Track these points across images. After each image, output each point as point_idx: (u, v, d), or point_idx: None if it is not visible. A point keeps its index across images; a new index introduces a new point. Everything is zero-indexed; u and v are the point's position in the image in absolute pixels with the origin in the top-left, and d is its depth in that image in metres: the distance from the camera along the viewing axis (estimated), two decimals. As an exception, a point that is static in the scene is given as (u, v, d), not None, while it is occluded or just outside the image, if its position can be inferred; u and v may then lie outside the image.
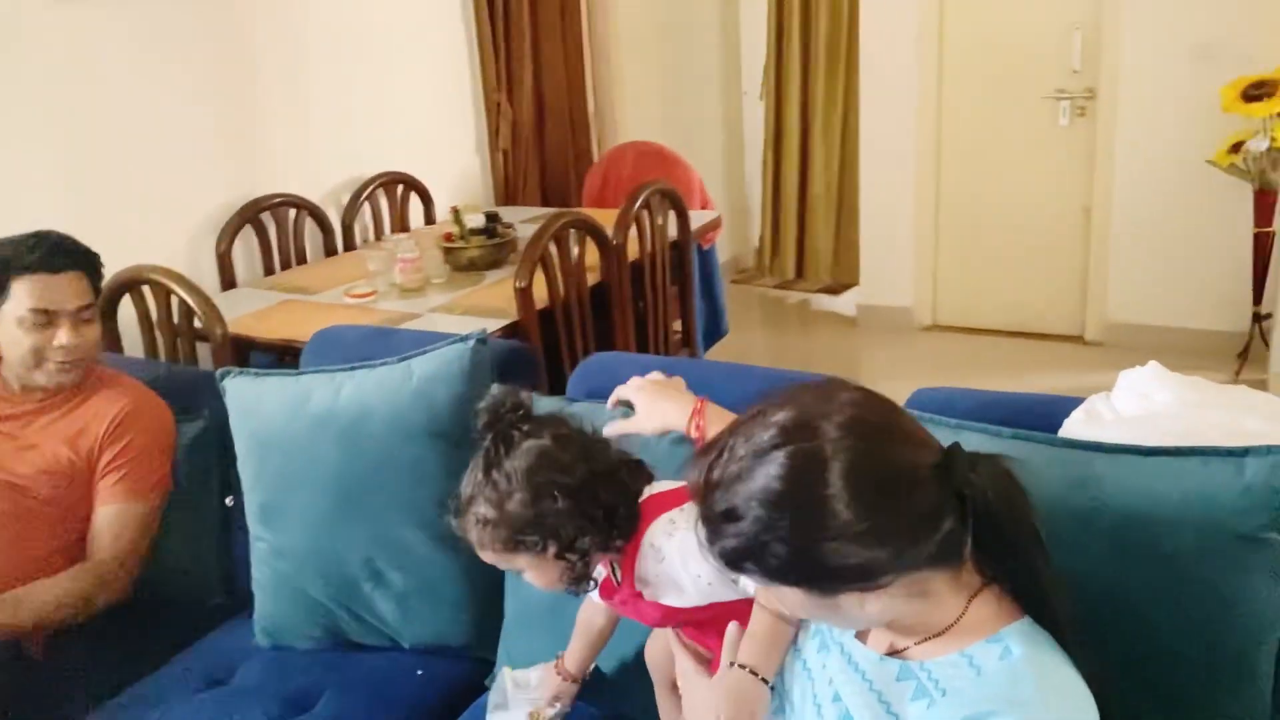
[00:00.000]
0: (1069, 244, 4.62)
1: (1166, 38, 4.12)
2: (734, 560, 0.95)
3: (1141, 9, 4.14)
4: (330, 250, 3.65)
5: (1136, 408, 1.37)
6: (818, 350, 4.99)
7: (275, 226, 3.46)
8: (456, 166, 4.31)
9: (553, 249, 2.85)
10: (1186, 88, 4.09)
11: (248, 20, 3.36)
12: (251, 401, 1.92)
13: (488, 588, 1.80)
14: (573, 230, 2.93)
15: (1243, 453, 1.18)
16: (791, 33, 5.43)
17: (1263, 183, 3.89)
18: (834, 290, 5.67)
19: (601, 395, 1.72)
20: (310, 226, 3.59)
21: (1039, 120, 4.57)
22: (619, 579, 1.35)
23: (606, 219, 3.10)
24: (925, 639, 1.01)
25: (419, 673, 1.82)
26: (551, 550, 1.29)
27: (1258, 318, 4.07)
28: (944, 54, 4.68)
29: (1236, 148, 3.89)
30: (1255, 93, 3.79)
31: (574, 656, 1.56)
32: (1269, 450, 1.17)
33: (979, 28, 4.60)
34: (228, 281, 3.29)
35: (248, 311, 2.94)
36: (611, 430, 1.44)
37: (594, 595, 1.42)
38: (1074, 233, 4.60)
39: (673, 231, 3.41)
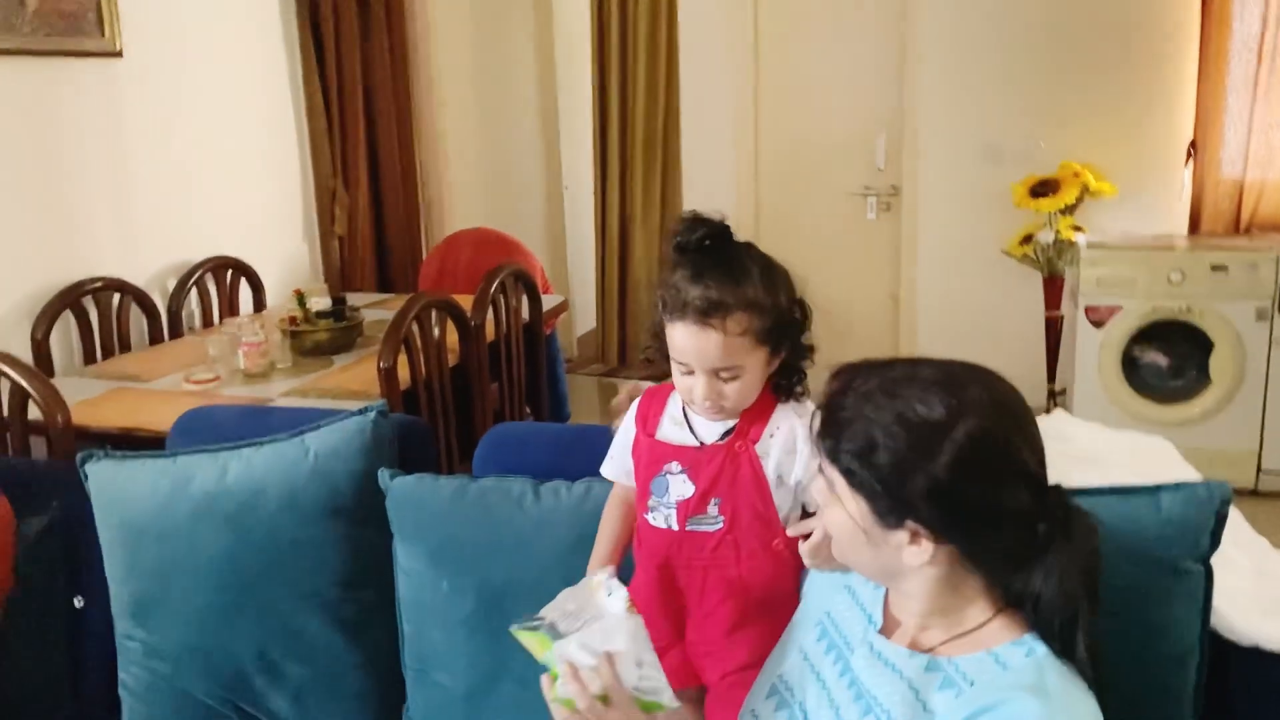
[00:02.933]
0: (879, 329, 4.92)
1: (961, 139, 4.52)
2: (839, 454, 1.02)
3: (937, 113, 4.54)
4: (156, 337, 3.43)
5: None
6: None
7: (97, 311, 3.22)
8: (287, 252, 4.17)
9: (414, 329, 2.79)
10: (981, 184, 4.50)
11: (66, 94, 3.17)
12: (119, 487, 1.77)
13: (392, 680, 1.71)
14: (434, 311, 2.88)
15: (1155, 489, 1.29)
16: (612, 128, 5.61)
17: (1051, 270, 4.30)
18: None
19: (510, 470, 1.69)
20: (135, 312, 3.36)
21: (848, 214, 4.89)
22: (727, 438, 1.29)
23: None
24: (950, 639, 1.05)
25: (318, 773, 1.70)
26: (783, 353, 1.27)
27: (1053, 394, 4.45)
28: (759, 152, 4.96)
29: (1027, 239, 4.29)
30: (1041, 190, 4.21)
31: (593, 554, 1.44)
32: (1177, 486, 1.29)
33: (791, 127, 4.91)
34: (45, 370, 3.03)
35: (76, 400, 2.71)
36: None
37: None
38: (883, 318, 4.91)
39: (525, 314, 3.41)
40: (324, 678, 1.70)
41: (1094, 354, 3.93)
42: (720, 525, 1.28)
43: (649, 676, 1.15)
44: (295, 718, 1.71)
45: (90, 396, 2.77)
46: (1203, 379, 3.84)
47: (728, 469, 1.28)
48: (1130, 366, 3.93)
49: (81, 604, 1.92)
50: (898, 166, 4.72)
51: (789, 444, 1.28)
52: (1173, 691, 1.28)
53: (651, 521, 1.33)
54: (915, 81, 4.54)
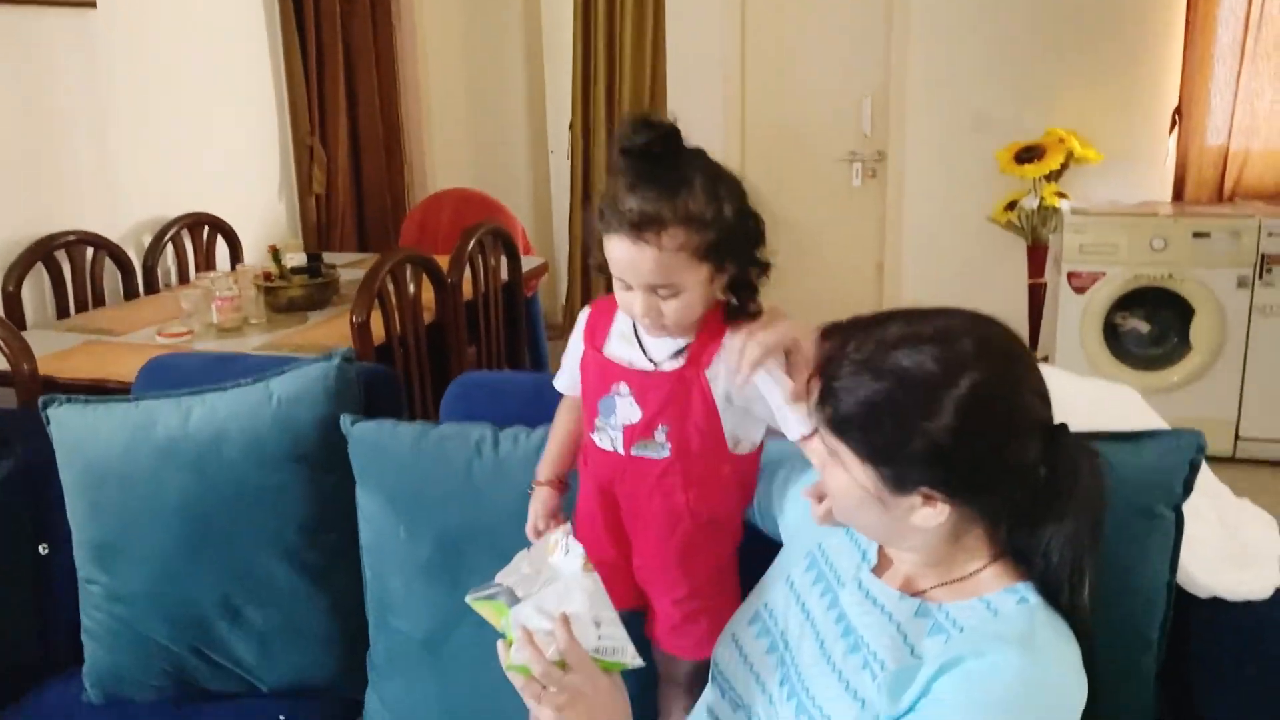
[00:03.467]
0: (864, 297, 4.90)
1: (947, 106, 4.50)
2: (840, 423, 0.99)
3: (924, 79, 4.51)
4: (131, 293, 3.40)
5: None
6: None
7: (70, 266, 3.19)
8: (265, 209, 4.13)
9: (389, 286, 2.77)
10: (967, 151, 4.48)
11: (40, 44, 3.12)
12: (82, 432, 1.75)
13: (356, 624, 1.69)
14: (409, 266, 2.86)
15: (1138, 437, 1.29)
16: (597, 94, 5.56)
17: (1035, 238, 4.29)
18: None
19: (477, 418, 1.68)
20: (109, 267, 3.33)
21: (834, 181, 4.87)
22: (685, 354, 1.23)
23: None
24: (943, 584, 1.04)
25: (280, 717, 1.68)
26: (729, 271, 1.18)
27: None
28: (745, 117, 4.93)
29: (1012, 206, 4.28)
30: (1026, 156, 4.20)
31: (542, 462, 1.41)
32: (1156, 433, 1.29)
33: (778, 93, 4.87)
34: (16, 323, 2.99)
35: (46, 353, 2.68)
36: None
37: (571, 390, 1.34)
38: (868, 286, 4.89)
39: (504, 275, 3.38)
40: (288, 623, 1.69)
41: (1076, 321, 3.93)
42: (667, 453, 1.24)
43: (609, 636, 1.09)
44: (258, 662, 1.70)
45: (61, 349, 2.75)
46: (1183, 346, 3.84)
47: (678, 396, 1.23)
48: (1112, 333, 3.93)
49: (46, 551, 1.91)
50: (884, 132, 4.69)
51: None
52: (1140, 635, 1.28)
53: (598, 442, 1.28)
54: (902, 46, 4.51)
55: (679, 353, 1.24)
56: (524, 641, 1.06)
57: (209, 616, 1.68)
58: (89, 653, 1.73)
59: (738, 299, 1.22)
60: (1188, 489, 1.28)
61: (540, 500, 1.39)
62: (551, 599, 1.08)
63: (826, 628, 1.09)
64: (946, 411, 0.94)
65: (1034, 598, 1.00)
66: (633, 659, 1.10)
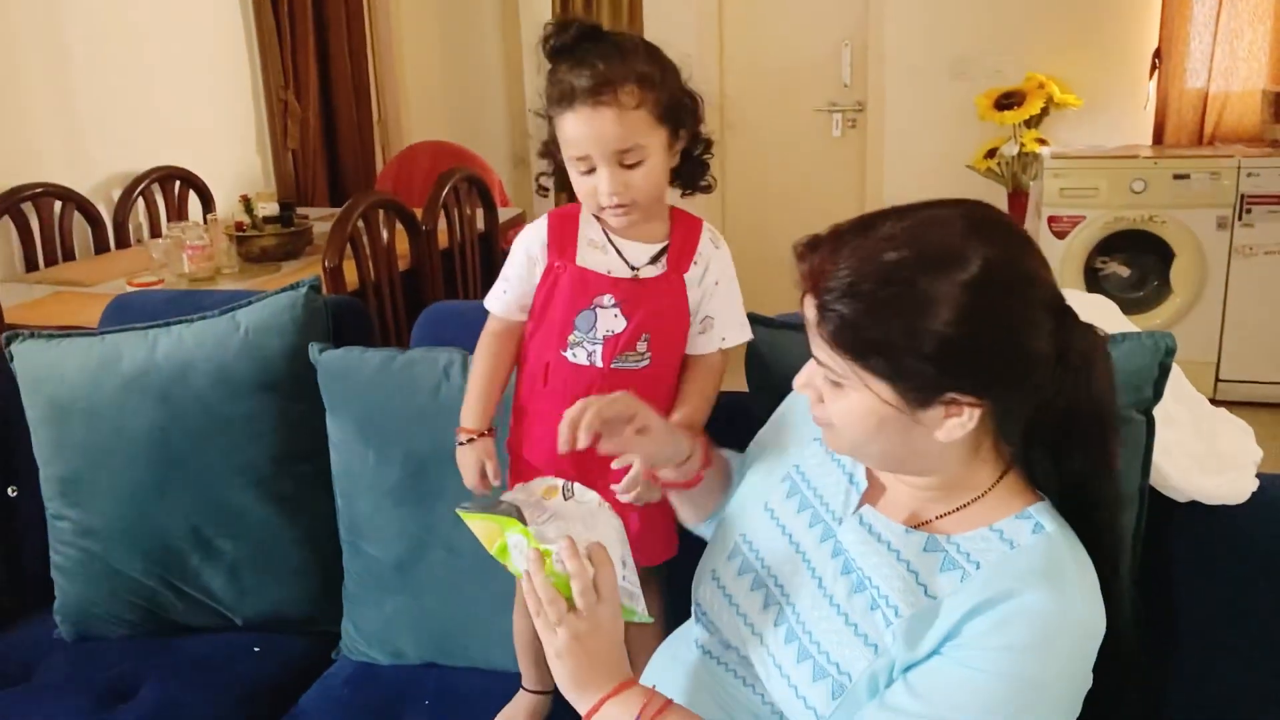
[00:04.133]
0: (845, 249, 4.88)
1: (925, 53, 4.45)
2: (845, 340, 0.90)
3: (902, 26, 4.46)
4: (102, 247, 3.34)
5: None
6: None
7: (38, 219, 3.13)
8: (239, 164, 4.07)
9: (362, 232, 2.73)
10: (946, 99, 4.44)
11: (2, -6, 3.05)
12: (47, 367, 1.72)
13: (329, 555, 1.68)
14: (382, 212, 2.82)
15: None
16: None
17: (1015, 185, 4.27)
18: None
19: (446, 344, 1.65)
20: (79, 221, 3.27)
21: (814, 132, 4.83)
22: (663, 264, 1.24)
23: (410, 213, 3.01)
24: (949, 512, 0.98)
25: (255, 650, 1.67)
26: (683, 138, 1.22)
27: (1015, 309, 4.43)
28: (724, 68, 4.88)
29: (992, 153, 4.25)
30: (1006, 102, 4.16)
31: (473, 411, 1.34)
32: (1124, 337, 1.27)
33: (756, 41, 4.82)
34: (-17, 276, 2.95)
35: (14, 303, 2.64)
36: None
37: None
38: (849, 238, 4.86)
39: (481, 225, 3.35)
40: (259, 554, 1.67)
41: (1057, 266, 3.89)
42: (646, 363, 1.23)
43: (630, 580, 1.03)
44: (231, 595, 1.68)
45: (29, 300, 2.71)
46: (1164, 289, 3.84)
47: (663, 304, 1.23)
48: (1092, 278, 3.93)
49: (15, 493, 1.89)
50: (864, 83, 4.65)
51: (706, 278, 1.26)
52: (1111, 539, 1.27)
53: (571, 359, 1.25)
54: (881, -8, 4.47)
55: (657, 257, 1.23)
56: (570, 551, 0.96)
57: (180, 549, 1.66)
58: (59, 589, 1.71)
59: (690, 172, 1.25)
60: (1158, 393, 1.26)
61: (482, 450, 1.31)
62: (578, 526, 1.03)
63: (823, 564, 1.02)
64: (960, 299, 0.86)
65: (1049, 523, 0.95)
66: (643, 614, 1.04)
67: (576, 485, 1.09)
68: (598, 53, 1.15)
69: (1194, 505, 1.32)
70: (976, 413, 0.90)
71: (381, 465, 1.55)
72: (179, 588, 1.68)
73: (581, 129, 1.15)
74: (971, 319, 0.87)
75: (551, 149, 1.23)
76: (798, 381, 1.00)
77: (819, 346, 0.94)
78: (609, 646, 0.98)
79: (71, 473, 1.68)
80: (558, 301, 1.26)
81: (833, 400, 0.96)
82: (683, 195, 1.26)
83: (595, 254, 1.25)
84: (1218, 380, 3.81)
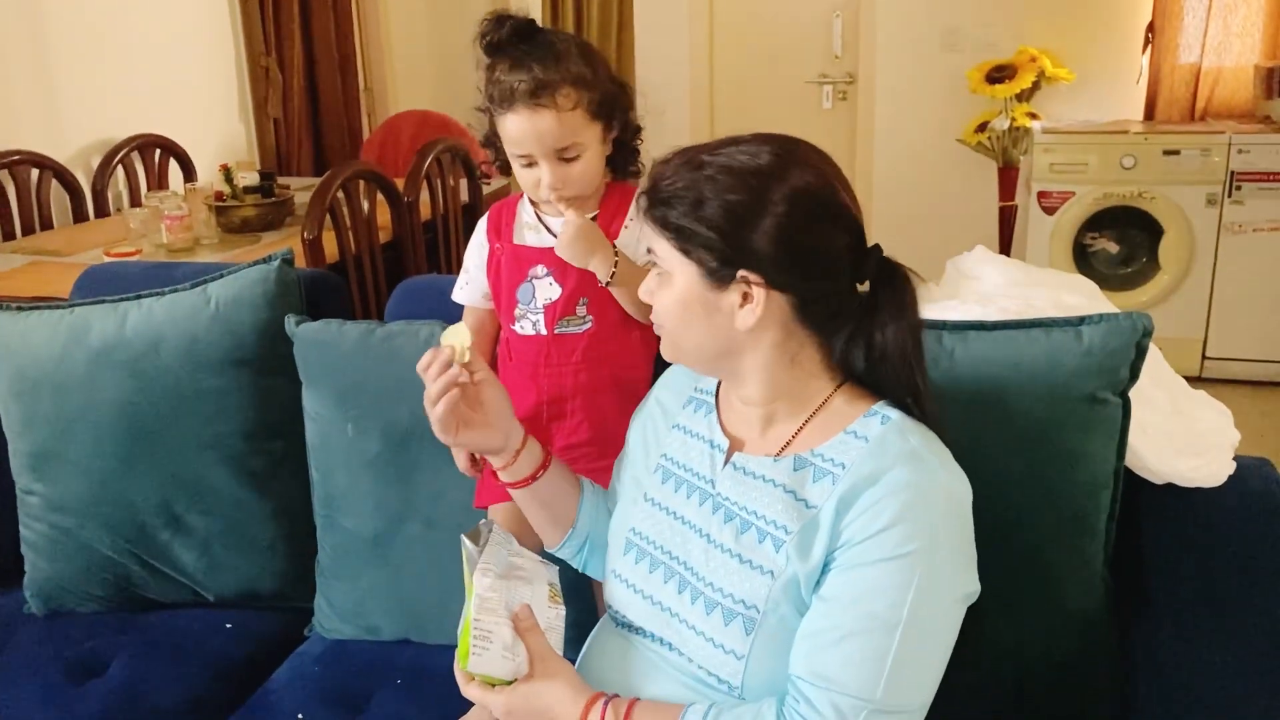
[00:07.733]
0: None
1: (917, 25, 4.41)
2: (663, 215, 1.01)
3: (893, -2, 4.42)
4: (81, 216, 3.31)
5: (968, 290, 1.43)
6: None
7: (15, 187, 3.09)
8: (221, 132, 4.02)
9: (343, 203, 2.69)
10: (937, 72, 4.40)
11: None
12: (14, 339, 1.70)
13: (302, 531, 1.66)
14: (362, 182, 2.78)
15: (1079, 321, 1.26)
16: (565, 14, 5.43)
17: (1005, 159, 4.24)
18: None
19: (421, 319, 1.63)
20: (56, 189, 3.23)
21: (804, 103, 4.79)
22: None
23: (393, 184, 2.97)
24: (801, 428, 1.06)
25: (227, 626, 1.66)
26: (615, 129, 1.31)
27: (1004, 284, 4.42)
28: (714, 40, 4.83)
29: (983, 127, 4.22)
30: (997, 75, 4.13)
31: None
32: (1101, 318, 1.26)
33: (747, 14, 4.76)
34: (-42, 245, 2.91)
35: (-12, 273, 2.61)
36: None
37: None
38: (838, 211, 4.83)
39: (465, 197, 3.31)
40: (232, 530, 1.66)
41: (1045, 242, 3.90)
42: (589, 325, 1.32)
43: (556, 627, 1.12)
44: (202, 570, 1.67)
45: (4, 270, 2.67)
46: (1152, 265, 3.83)
47: None
48: (1081, 255, 3.91)
49: (-14, 467, 1.86)
50: (854, 53, 4.61)
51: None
52: (1087, 521, 1.27)
53: (520, 331, 1.34)
54: (872, -37, 4.42)
55: None
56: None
57: (151, 524, 1.65)
58: (29, 564, 1.69)
59: (622, 158, 1.35)
60: (1135, 374, 1.25)
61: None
62: (524, 589, 1.11)
63: (707, 523, 1.09)
64: (770, 194, 0.98)
65: (892, 413, 1.03)
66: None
67: (550, 569, 1.15)
68: (534, 55, 1.23)
69: (1170, 487, 1.31)
70: (764, 296, 0.99)
71: (360, 438, 1.54)
72: (150, 563, 1.66)
73: (523, 128, 1.24)
74: (782, 215, 0.98)
75: (493, 140, 1.33)
76: (642, 289, 1.10)
77: (647, 236, 1.05)
78: (553, 701, 1.06)
79: (41, 447, 1.66)
80: (503, 280, 1.36)
81: (660, 297, 1.06)
82: (613, 180, 1.36)
83: (529, 233, 1.36)
84: (1204, 358, 3.80)
